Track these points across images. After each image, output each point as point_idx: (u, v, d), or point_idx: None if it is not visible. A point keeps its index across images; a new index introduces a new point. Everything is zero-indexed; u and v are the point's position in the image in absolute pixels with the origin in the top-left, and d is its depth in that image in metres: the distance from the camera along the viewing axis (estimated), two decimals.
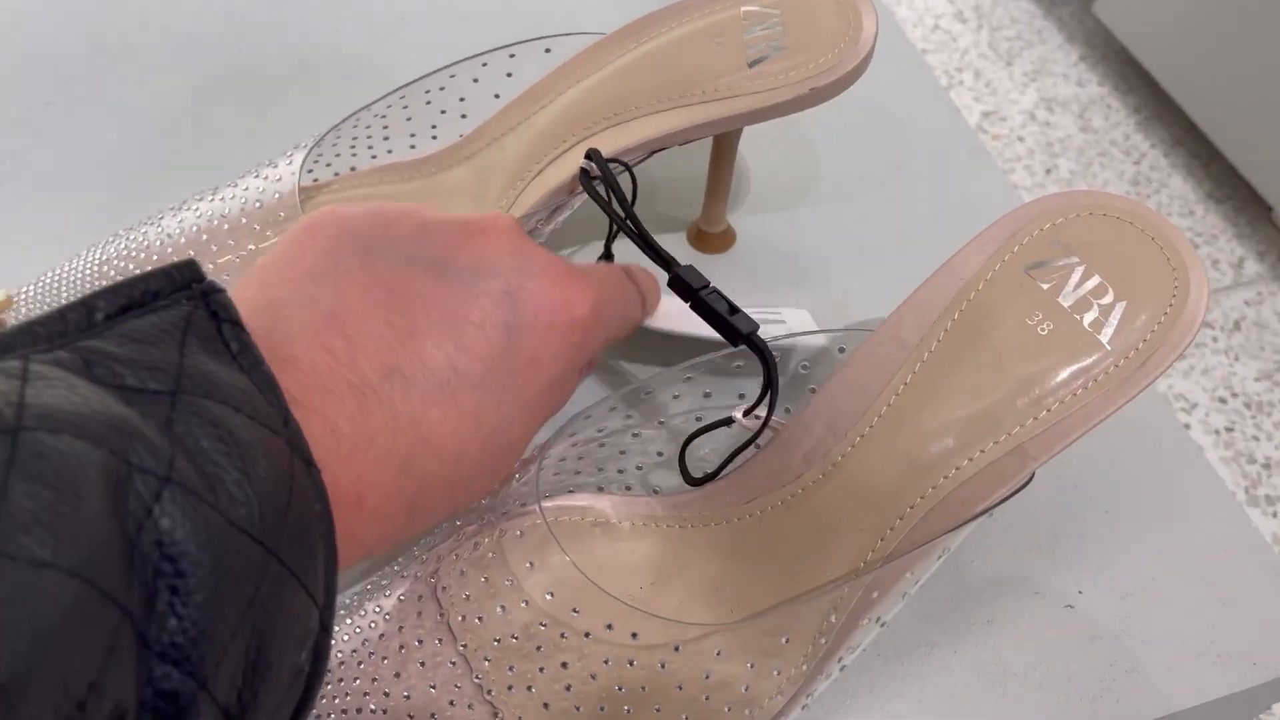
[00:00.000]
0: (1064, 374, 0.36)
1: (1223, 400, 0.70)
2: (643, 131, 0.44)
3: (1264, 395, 0.71)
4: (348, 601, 0.36)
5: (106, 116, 0.52)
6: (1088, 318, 0.36)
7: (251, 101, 0.54)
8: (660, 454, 0.40)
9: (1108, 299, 0.36)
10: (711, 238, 0.50)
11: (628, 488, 0.39)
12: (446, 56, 0.46)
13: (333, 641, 0.34)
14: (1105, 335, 0.36)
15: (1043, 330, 0.36)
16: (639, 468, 0.40)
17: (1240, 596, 0.42)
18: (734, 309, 0.36)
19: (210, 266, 0.40)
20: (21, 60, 0.54)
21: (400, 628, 0.35)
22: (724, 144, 0.47)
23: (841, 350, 0.39)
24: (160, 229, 0.42)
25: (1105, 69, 0.91)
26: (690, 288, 0.36)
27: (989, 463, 0.35)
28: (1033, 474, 0.35)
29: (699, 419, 0.40)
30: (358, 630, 0.35)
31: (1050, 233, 0.38)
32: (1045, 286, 0.37)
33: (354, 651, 0.34)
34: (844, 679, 0.38)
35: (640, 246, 0.37)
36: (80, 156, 0.51)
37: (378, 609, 0.35)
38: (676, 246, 0.50)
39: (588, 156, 0.39)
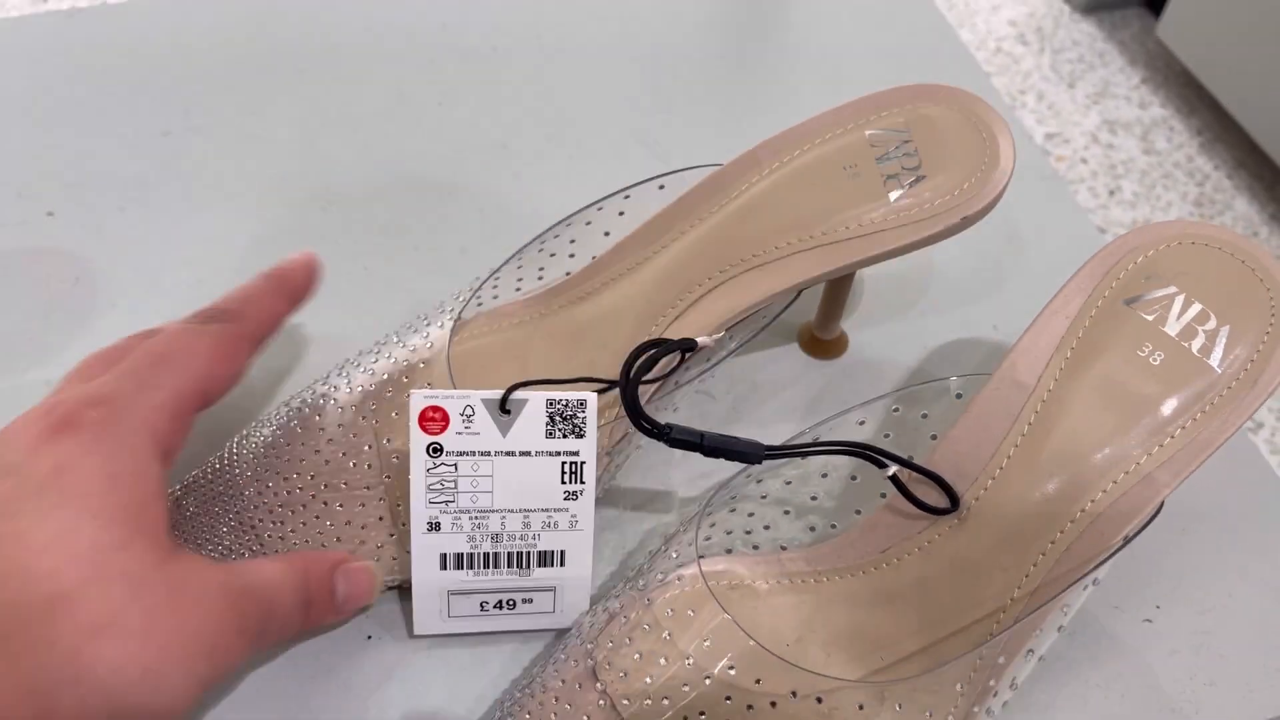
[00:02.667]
0: (1181, 400, 0.37)
1: None
2: (791, 275, 0.42)
3: None
4: (516, 694, 0.38)
5: (223, 143, 0.57)
6: (1195, 344, 0.38)
7: (356, 130, 0.58)
8: (787, 511, 0.42)
9: (1211, 324, 0.38)
10: (825, 344, 0.49)
11: (755, 546, 0.41)
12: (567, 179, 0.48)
13: None
14: (1214, 359, 0.37)
15: (1154, 361, 0.38)
16: (766, 526, 0.42)
17: None
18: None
19: (375, 423, 0.40)
20: (140, 89, 0.59)
21: (566, 707, 0.36)
22: None
23: (959, 396, 0.41)
24: (293, 413, 0.41)
25: (1167, 91, 0.92)
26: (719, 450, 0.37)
27: (1121, 494, 0.37)
28: (1162, 503, 0.37)
29: (824, 474, 0.42)
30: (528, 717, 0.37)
31: (1144, 265, 0.40)
32: (1149, 318, 0.39)
33: None
34: None
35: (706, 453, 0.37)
36: (202, 182, 0.55)
37: (541, 701, 0.37)
38: (790, 351, 0.50)
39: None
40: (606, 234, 0.46)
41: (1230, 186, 0.85)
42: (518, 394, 0.38)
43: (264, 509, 0.39)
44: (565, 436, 0.38)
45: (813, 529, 0.42)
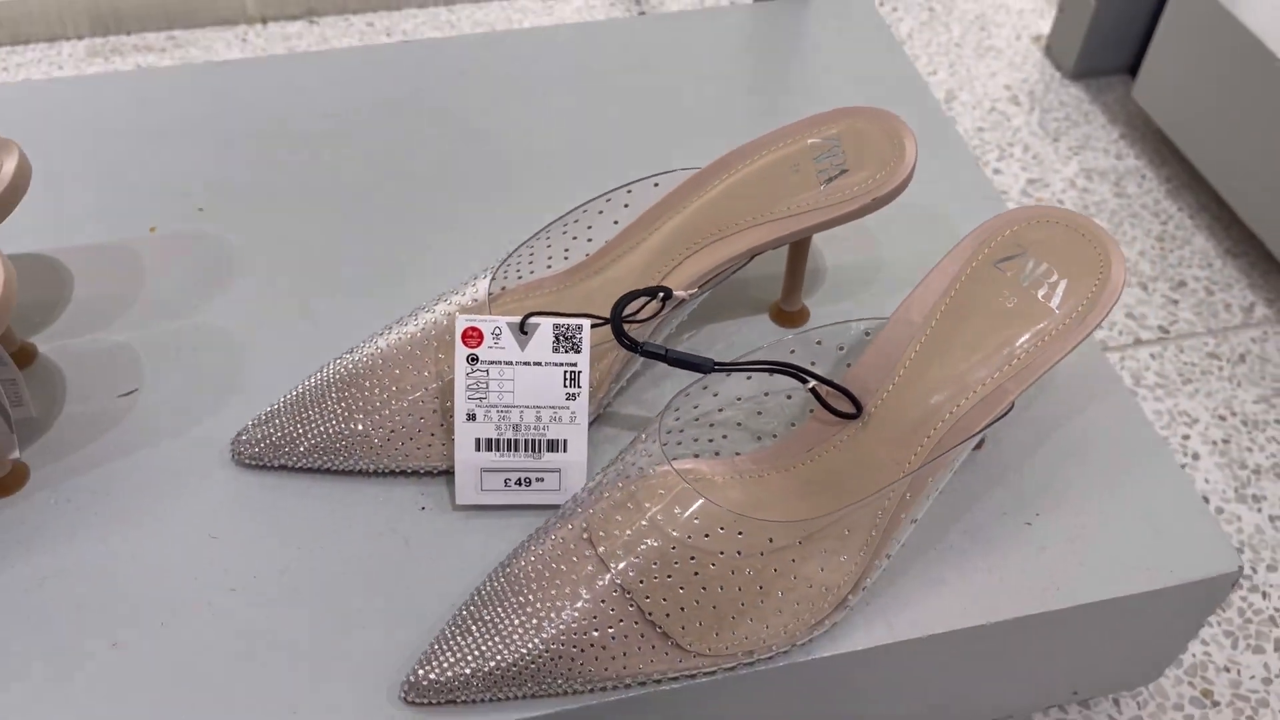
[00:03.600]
0: (1027, 333, 0.50)
1: (1222, 417, 0.80)
2: (744, 242, 0.56)
3: (1260, 415, 0.80)
4: (524, 541, 0.51)
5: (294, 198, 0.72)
6: (1041, 293, 0.50)
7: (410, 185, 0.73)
8: (739, 424, 0.55)
9: (1054, 278, 0.50)
10: (789, 315, 0.62)
11: (716, 453, 0.54)
12: (578, 185, 0.62)
13: (506, 578, 0.48)
14: (1054, 303, 0.50)
15: (1009, 305, 0.50)
16: (724, 437, 0.54)
17: (1165, 522, 0.55)
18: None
19: (417, 381, 0.53)
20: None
21: (560, 565, 0.48)
22: (799, 243, 0.58)
23: (867, 334, 0.53)
24: (375, 347, 0.56)
25: (1143, 146, 1.04)
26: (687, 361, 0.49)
27: (980, 400, 0.49)
28: (1012, 404, 0.49)
29: (766, 393, 0.54)
30: (519, 569, 0.48)
31: (1010, 236, 0.52)
32: (1009, 274, 0.51)
33: (519, 579, 0.48)
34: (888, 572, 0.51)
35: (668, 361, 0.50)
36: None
37: (537, 553, 0.49)
38: (761, 321, 0.63)
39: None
40: (615, 222, 0.60)
41: (1191, 225, 0.96)
42: (533, 319, 0.52)
43: (348, 412, 0.54)
44: (566, 352, 0.52)
45: (759, 438, 0.54)
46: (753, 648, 0.47)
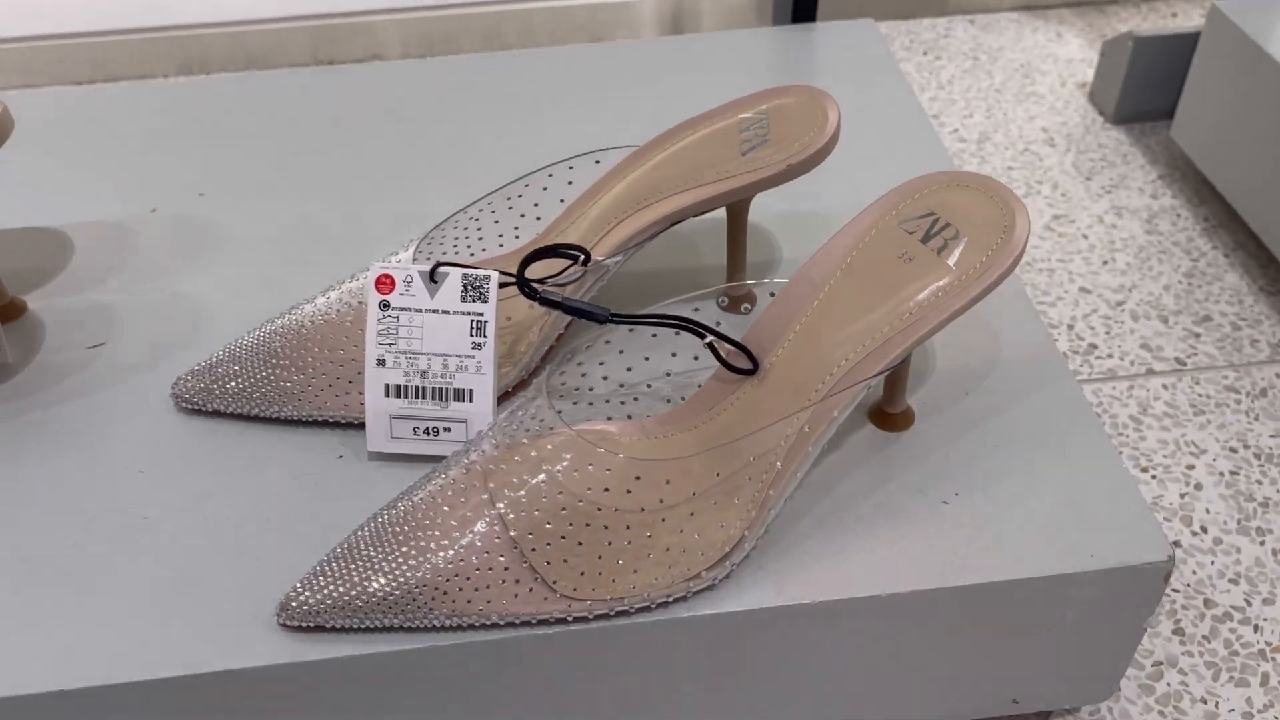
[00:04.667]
0: (924, 290, 0.49)
1: (1234, 450, 0.74)
2: (666, 208, 0.58)
3: (1277, 449, 0.75)
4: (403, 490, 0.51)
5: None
6: (940, 250, 0.49)
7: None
8: (650, 385, 0.54)
9: (956, 237, 0.49)
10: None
11: (629, 416, 0.54)
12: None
13: (392, 511, 0.49)
14: (952, 260, 0.49)
15: (907, 262, 0.49)
16: (636, 400, 0.54)
17: (1093, 507, 0.52)
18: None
19: (345, 338, 0.55)
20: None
21: (444, 505, 0.48)
22: (735, 216, 0.59)
23: (772, 295, 0.53)
24: (314, 306, 0.58)
25: (1181, 185, 1.00)
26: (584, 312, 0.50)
27: (868, 353, 0.48)
28: (906, 359, 0.48)
29: (674, 354, 0.54)
30: (407, 505, 0.49)
31: (920, 199, 0.51)
32: (911, 234, 0.50)
33: (404, 514, 0.48)
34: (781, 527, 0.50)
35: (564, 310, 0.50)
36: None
37: (426, 490, 0.49)
38: (710, 309, 0.63)
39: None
40: (561, 200, 0.62)
41: (1225, 263, 0.91)
42: (443, 268, 0.53)
43: (279, 361, 0.56)
44: (474, 301, 0.53)
45: (668, 400, 0.54)
46: (624, 595, 0.47)
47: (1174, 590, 0.67)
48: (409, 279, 0.53)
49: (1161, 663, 0.64)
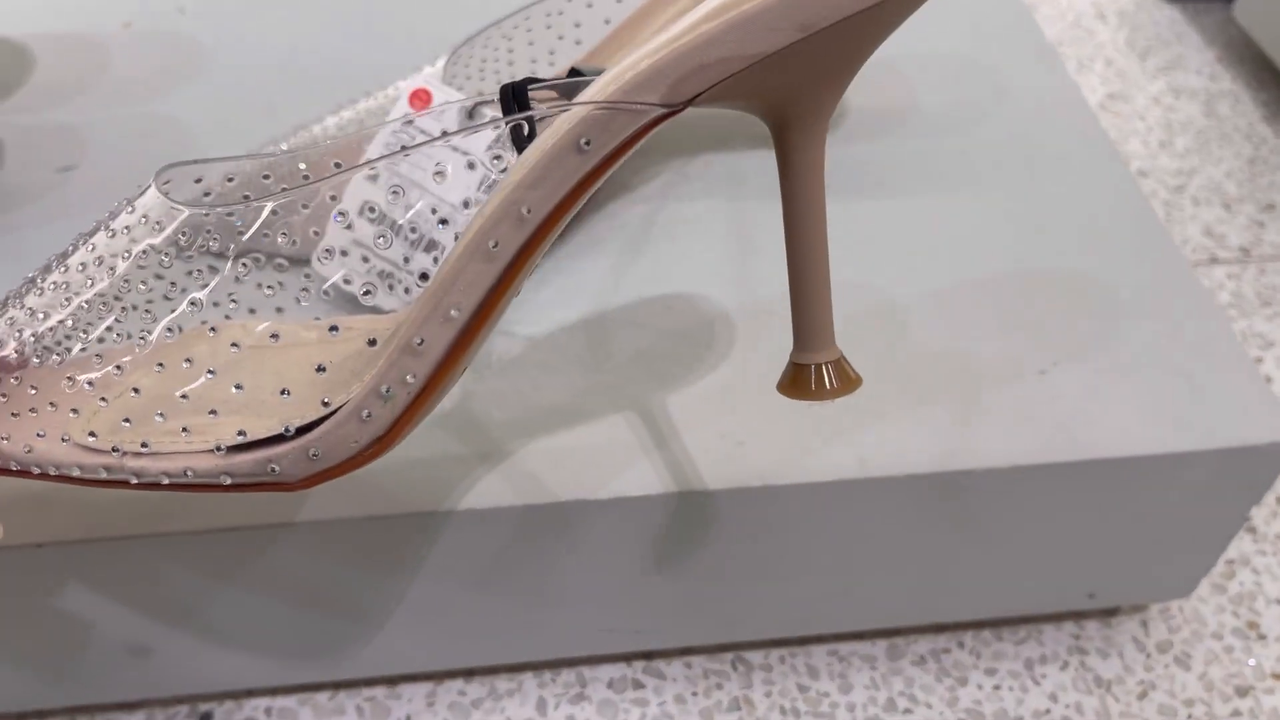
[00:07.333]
0: None
1: None
2: None
3: None
4: None
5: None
6: None
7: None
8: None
9: None
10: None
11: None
12: None
13: None
14: None
15: None
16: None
17: (1206, 382, 0.46)
18: None
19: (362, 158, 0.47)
20: None
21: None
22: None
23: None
24: (323, 127, 0.51)
25: (1240, 68, 0.94)
26: None
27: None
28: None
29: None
30: None
31: None
32: None
33: None
34: None
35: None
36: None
37: None
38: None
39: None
40: (607, 21, 0.54)
41: None
42: (481, 107, 0.45)
43: None
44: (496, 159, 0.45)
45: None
46: None
47: None
48: (444, 107, 0.45)
49: (1234, 560, 0.59)
